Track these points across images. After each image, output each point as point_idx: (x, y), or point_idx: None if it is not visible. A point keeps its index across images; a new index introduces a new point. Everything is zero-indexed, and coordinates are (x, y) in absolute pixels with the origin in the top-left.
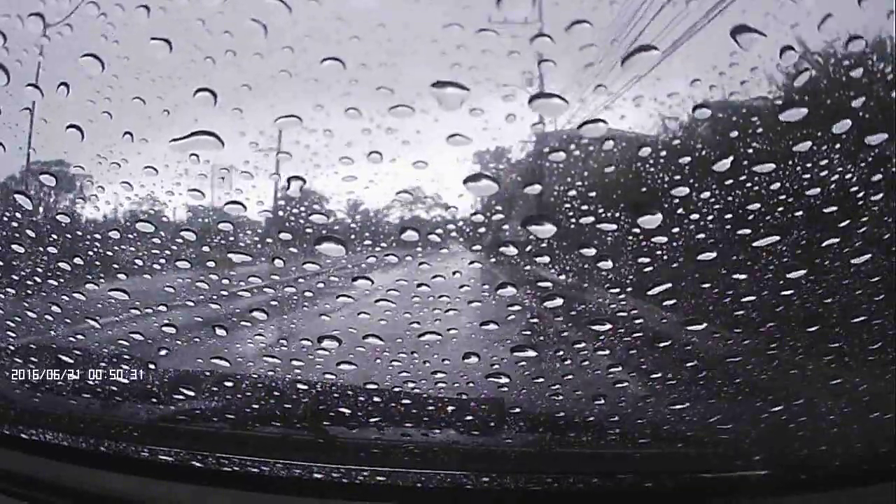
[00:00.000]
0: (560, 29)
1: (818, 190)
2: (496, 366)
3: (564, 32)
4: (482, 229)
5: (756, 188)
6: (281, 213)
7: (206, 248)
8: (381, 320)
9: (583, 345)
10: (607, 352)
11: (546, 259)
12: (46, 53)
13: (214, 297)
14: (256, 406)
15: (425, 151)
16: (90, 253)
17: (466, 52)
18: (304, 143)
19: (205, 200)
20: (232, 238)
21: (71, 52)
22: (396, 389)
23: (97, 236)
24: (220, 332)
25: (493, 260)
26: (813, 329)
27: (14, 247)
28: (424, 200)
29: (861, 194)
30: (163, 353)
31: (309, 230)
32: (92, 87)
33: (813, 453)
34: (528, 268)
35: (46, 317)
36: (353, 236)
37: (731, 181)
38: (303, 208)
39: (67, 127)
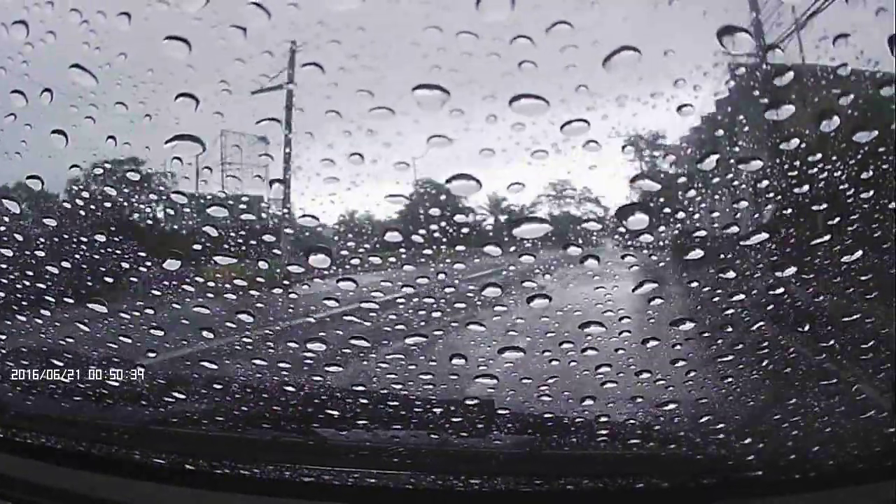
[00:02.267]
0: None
1: (807, 188)
2: (483, 367)
3: (544, 34)
4: None
5: (744, 186)
6: (264, 214)
7: (191, 251)
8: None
9: (571, 345)
10: (596, 352)
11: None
12: (30, 60)
13: (201, 299)
14: (245, 408)
15: (409, 152)
16: (77, 256)
17: (446, 55)
18: (284, 146)
19: (189, 202)
20: (217, 239)
21: (54, 58)
22: (384, 391)
23: (83, 239)
24: (206, 334)
25: None
26: (804, 328)
27: (2, 251)
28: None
29: (851, 192)
30: (151, 355)
31: (291, 231)
32: (75, 92)
33: (806, 453)
34: None
35: (36, 320)
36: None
37: (717, 179)
38: (285, 210)
39: (52, 132)
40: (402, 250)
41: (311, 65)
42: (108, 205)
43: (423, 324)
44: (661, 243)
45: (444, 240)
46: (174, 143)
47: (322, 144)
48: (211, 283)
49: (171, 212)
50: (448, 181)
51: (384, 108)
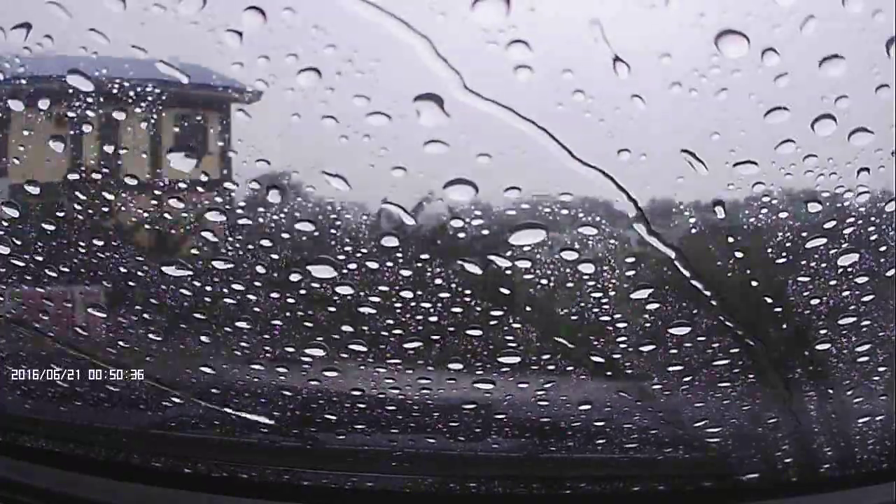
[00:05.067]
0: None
1: (802, 191)
2: (480, 371)
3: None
4: None
5: (739, 190)
6: (261, 220)
7: (188, 256)
8: None
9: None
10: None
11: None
12: (28, 64)
13: (199, 304)
14: (243, 413)
15: (403, 157)
16: (75, 260)
17: (441, 59)
18: (280, 151)
19: (185, 207)
20: (215, 244)
21: (53, 62)
22: (381, 395)
23: (81, 244)
24: (204, 339)
25: None
26: (801, 331)
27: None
28: None
29: (847, 195)
30: (149, 360)
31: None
32: (73, 97)
33: (804, 456)
34: None
35: (35, 324)
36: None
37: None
38: (283, 215)
39: (50, 137)
40: (399, 255)
41: (308, 70)
42: (105, 209)
43: (420, 328)
44: (656, 248)
45: (440, 245)
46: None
47: (318, 150)
48: (209, 287)
49: (168, 216)
50: (444, 186)
51: (380, 112)
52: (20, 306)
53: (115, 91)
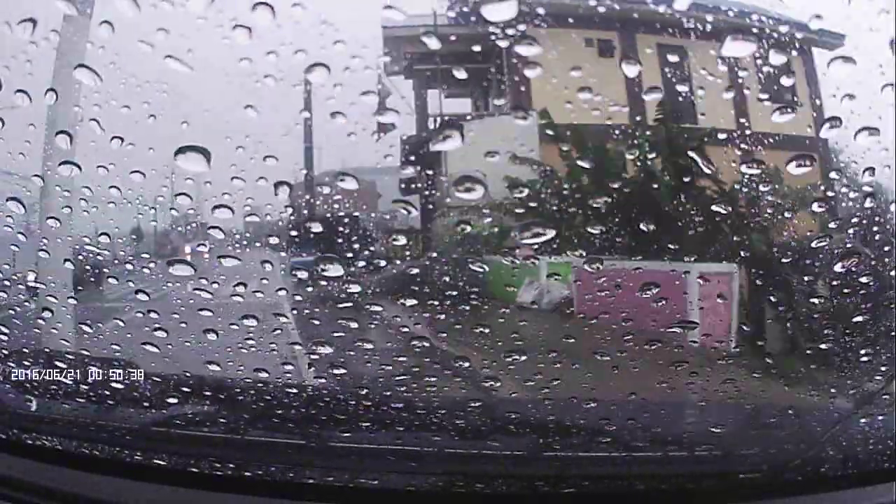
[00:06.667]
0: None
1: (807, 191)
2: (487, 369)
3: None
4: None
5: (745, 189)
6: (269, 217)
7: (195, 252)
8: None
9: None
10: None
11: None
12: (34, 59)
13: (204, 301)
14: (248, 410)
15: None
16: (80, 257)
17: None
18: (289, 148)
19: (193, 203)
20: (221, 240)
21: (59, 57)
22: (387, 393)
23: (86, 240)
24: (210, 336)
25: None
26: (803, 330)
27: (6, 251)
28: None
29: (852, 194)
30: (155, 357)
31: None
32: (80, 93)
33: (805, 455)
34: None
35: (39, 321)
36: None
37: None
38: (290, 212)
39: (57, 133)
40: (408, 254)
41: (317, 65)
42: (111, 206)
43: (427, 325)
44: (662, 246)
45: (448, 244)
46: (181, 155)
47: (328, 147)
48: (215, 285)
49: (175, 213)
50: (454, 184)
51: (389, 108)
52: (25, 303)
53: (122, 84)
